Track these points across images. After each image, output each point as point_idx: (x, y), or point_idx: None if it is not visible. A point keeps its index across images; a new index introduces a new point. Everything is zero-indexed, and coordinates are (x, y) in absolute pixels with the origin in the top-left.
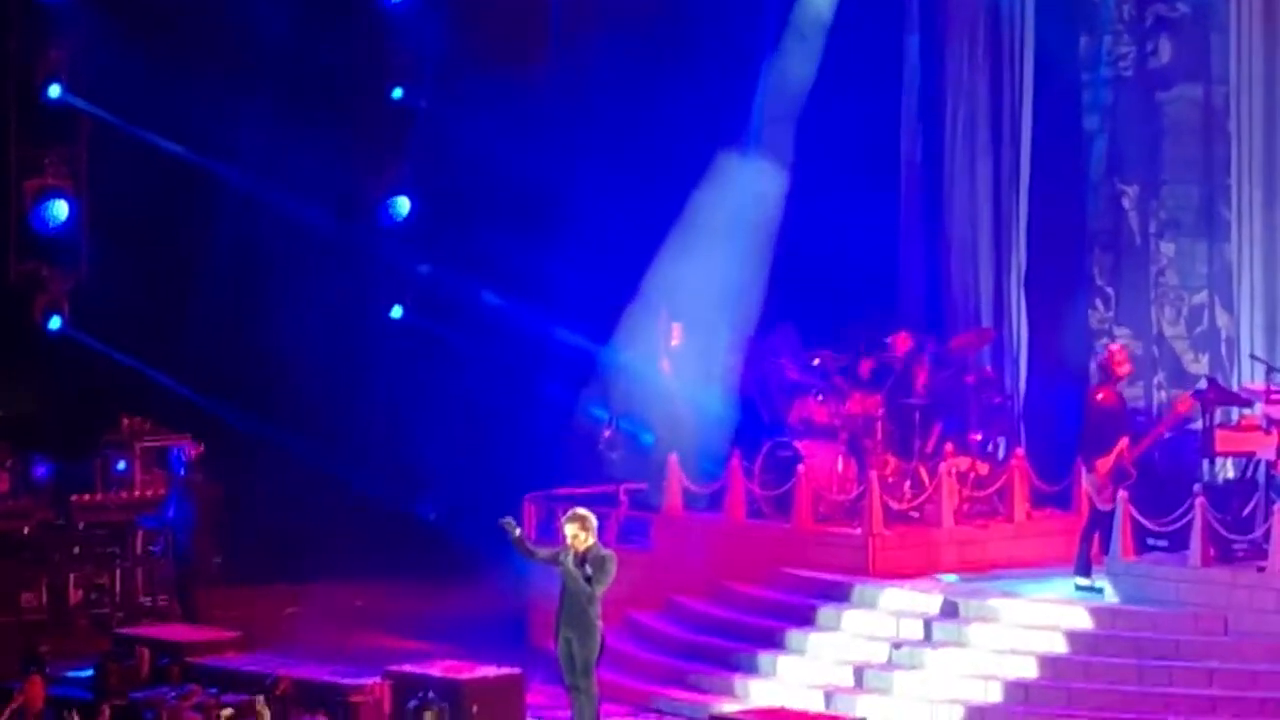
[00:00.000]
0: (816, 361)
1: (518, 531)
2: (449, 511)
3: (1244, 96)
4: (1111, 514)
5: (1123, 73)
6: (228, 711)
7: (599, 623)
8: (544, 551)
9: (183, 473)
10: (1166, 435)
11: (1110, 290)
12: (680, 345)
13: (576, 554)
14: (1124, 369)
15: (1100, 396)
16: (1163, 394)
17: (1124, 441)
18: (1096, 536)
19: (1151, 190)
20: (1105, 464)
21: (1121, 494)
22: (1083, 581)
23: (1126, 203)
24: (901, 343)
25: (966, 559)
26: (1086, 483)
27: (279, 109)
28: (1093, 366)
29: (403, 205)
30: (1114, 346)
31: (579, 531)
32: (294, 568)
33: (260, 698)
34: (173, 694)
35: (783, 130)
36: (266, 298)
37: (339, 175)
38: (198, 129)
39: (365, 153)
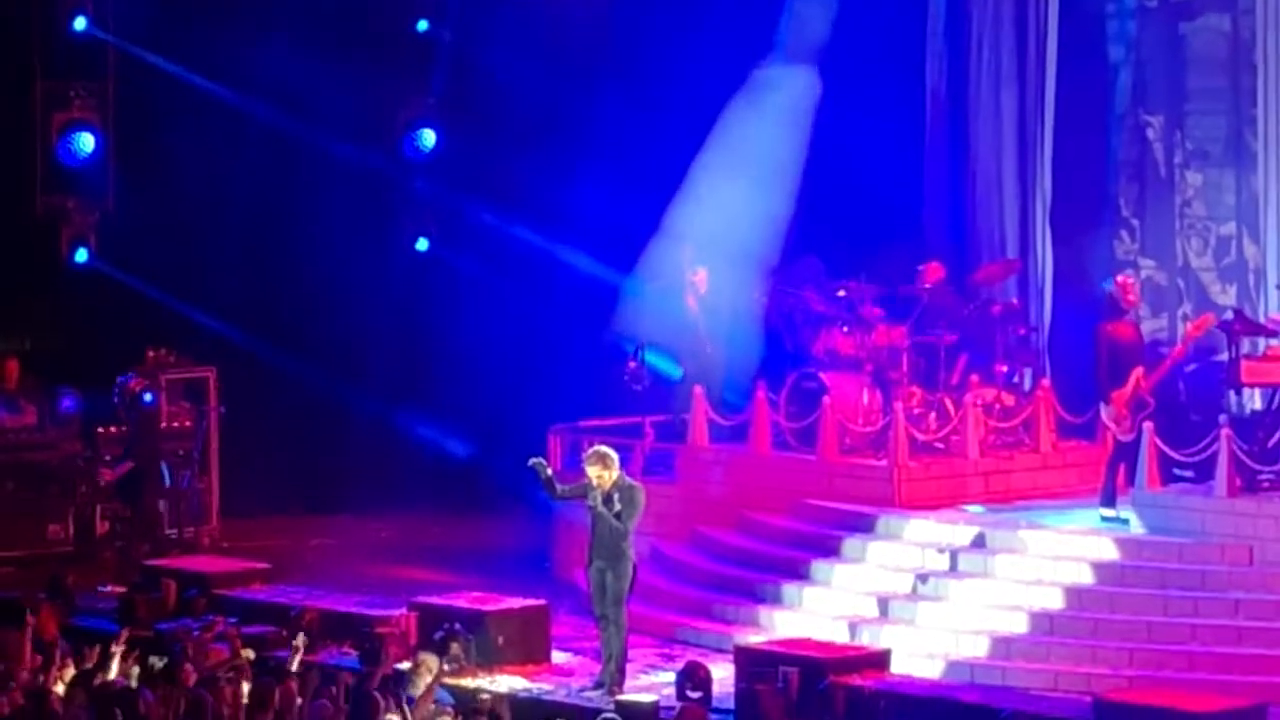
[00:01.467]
0: (842, 293)
1: (549, 472)
2: (475, 446)
3: (1270, 27)
4: (1136, 445)
5: (1147, 3)
6: (249, 653)
7: (632, 555)
8: (571, 489)
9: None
10: (1185, 363)
11: (1135, 221)
12: (705, 287)
13: (603, 492)
14: (1132, 299)
15: (1111, 329)
16: (1187, 325)
17: (1139, 371)
18: (1122, 467)
19: (1176, 121)
20: (1122, 395)
21: (1147, 425)
22: (1108, 512)
23: (1151, 134)
24: (932, 272)
25: (992, 490)
26: (1105, 415)
27: (304, 41)
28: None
29: (428, 137)
30: (1120, 278)
31: (601, 471)
32: (320, 499)
33: (300, 635)
34: (195, 625)
35: (807, 61)
36: (292, 230)
37: (365, 108)
38: (223, 62)
39: (391, 85)
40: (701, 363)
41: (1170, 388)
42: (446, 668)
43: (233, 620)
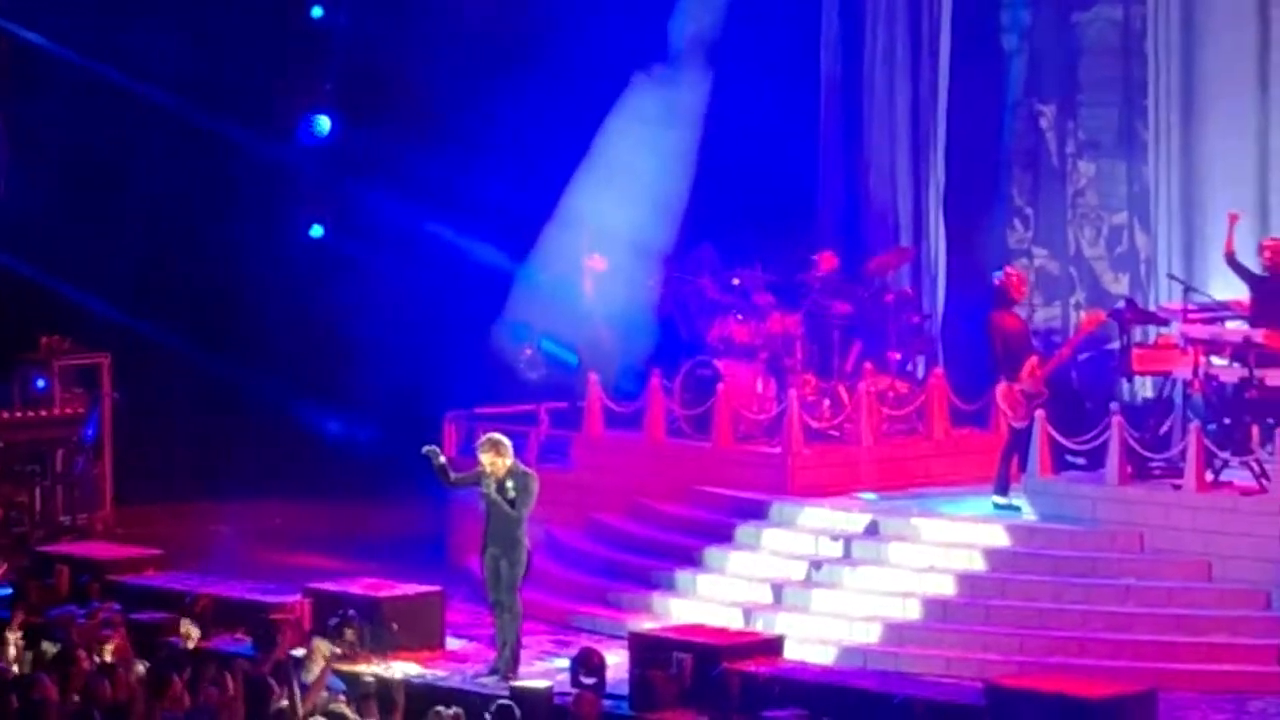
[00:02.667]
0: (736, 281)
1: (441, 459)
2: (371, 432)
3: (1161, 17)
4: (1029, 432)
5: None
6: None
7: (526, 542)
8: (465, 476)
9: None
10: (1077, 353)
11: (1029, 210)
12: (601, 272)
13: (497, 479)
14: (1022, 292)
15: (1001, 319)
16: (1080, 314)
17: (1033, 360)
18: (1015, 455)
19: (1069, 111)
20: (1019, 382)
21: (1039, 412)
22: (1000, 500)
23: (1044, 123)
24: (826, 261)
25: (885, 477)
26: (1001, 399)
27: (200, 26)
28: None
29: (323, 123)
30: (1010, 270)
31: (495, 458)
32: (214, 486)
33: (186, 619)
34: (81, 612)
35: (702, 49)
36: (188, 216)
37: (260, 93)
38: (118, 47)
39: (286, 71)
40: (596, 350)
41: (1063, 376)
42: (340, 654)
43: (117, 607)
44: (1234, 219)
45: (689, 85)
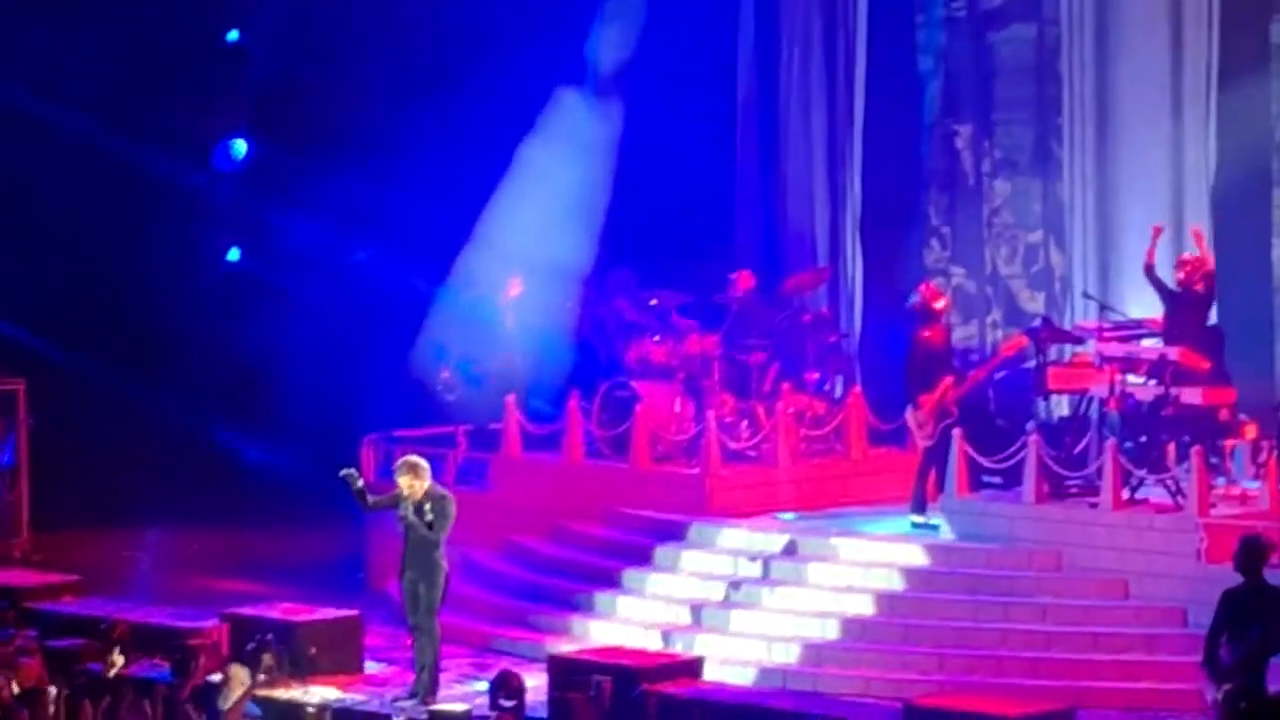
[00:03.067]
0: (654, 302)
1: (359, 483)
2: (289, 456)
3: (1075, 36)
4: (944, 451)
5: (956, 13)
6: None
7: (444, 564)
8: (382, 500)
9: None
10: (995, 374)
11: (946, 230)
12: (520, 295)
13: (414, 502)
14: (940, 304)
15: (926, 335)
16: (998, 332)
17: (948, 380)
18: (932, 474)
19: (985, 130)
20: (930, 400)
21: (956, 431)
22: (918, 519)
23: (960, 143)
24: (743, 281)
25: (804, 498)
26: (910, 418)
27: (114, 51)
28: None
29: (240, 147)
30: (923, 286)
31: (412, 481)
32: (132, 512)
33: (116, 648)
34: None
35: (619, 73)
36: (104, 241)
37: (175, 118)
38: (31, 71)
39: (202, 95)
40: (514, 371)
41: (979, 395)
42: (259, 679)
43: (33, 634)
44: (1158, 231)
45: (606, 108)
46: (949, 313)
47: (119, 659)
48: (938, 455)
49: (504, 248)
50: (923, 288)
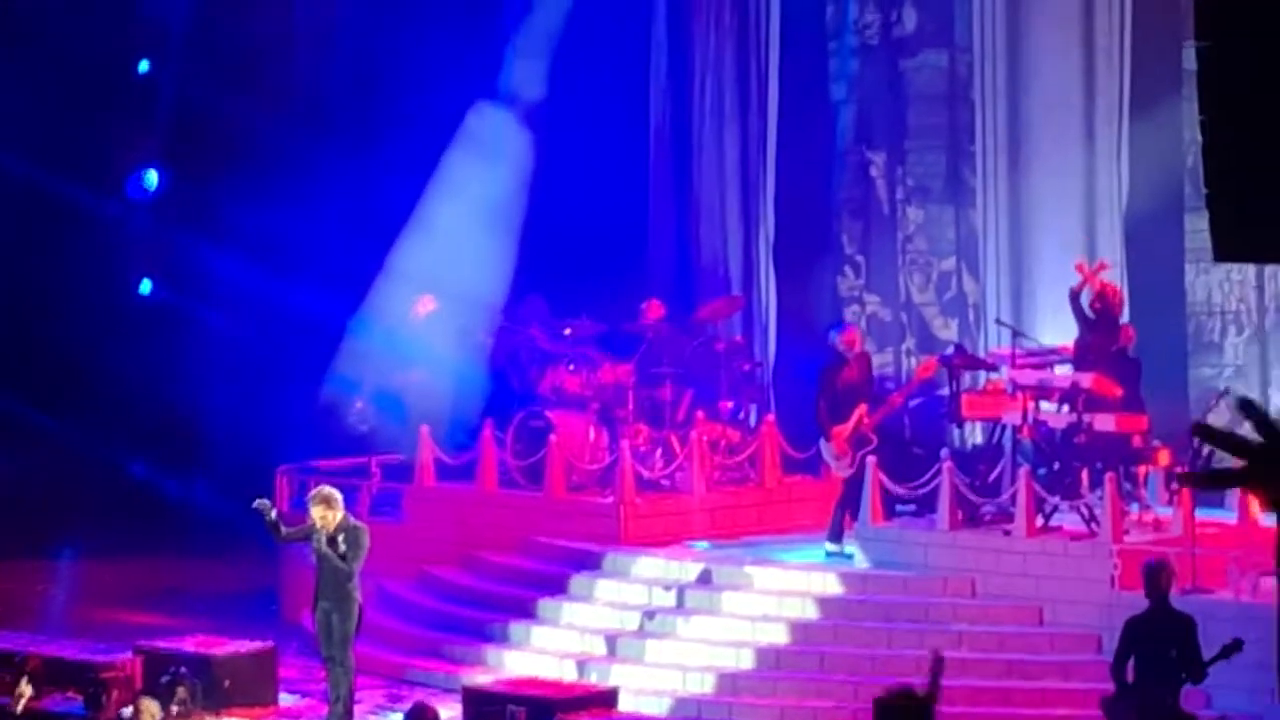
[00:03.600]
0: (568, 331)
1: (273, 514)
2: (201, 488)
3: (987, 63)
4: (860, 479)
5: (868, 41)
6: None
7: (357, 595)
8: (295, 532)
9: None
10: (908, 401)
11: (860, 258)
12: (430, 315)
13: (327, 533)
14: (856, 349)
15: (843, 374)
16: (912, 360)
17: (862, 408)
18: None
19: (898, 157)
20: (843, 431)
21: (870, 459)
22: (832, 547)
23: (874, 170)
24: (653, 310)
25: (718, 526)
26: (825, 452)
27: (23, 81)
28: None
29: (152, 178)
30: (846, 332)
31: (325, 512)
32: (43, 544)
33: (25, 680)
34: None
35: (531, 101)
36: (14, 271)
37: (87, 148)
38: None
39: (113, 125)
40: (427, 401)
41: (894, 422)
42: (172, 712)
43: None
44: (1101, 267)
45: (518, 137)
46: (864, 345)
47: (27, 690)
48: (856, 484)
49: (417, 276)
50: (845, 335)
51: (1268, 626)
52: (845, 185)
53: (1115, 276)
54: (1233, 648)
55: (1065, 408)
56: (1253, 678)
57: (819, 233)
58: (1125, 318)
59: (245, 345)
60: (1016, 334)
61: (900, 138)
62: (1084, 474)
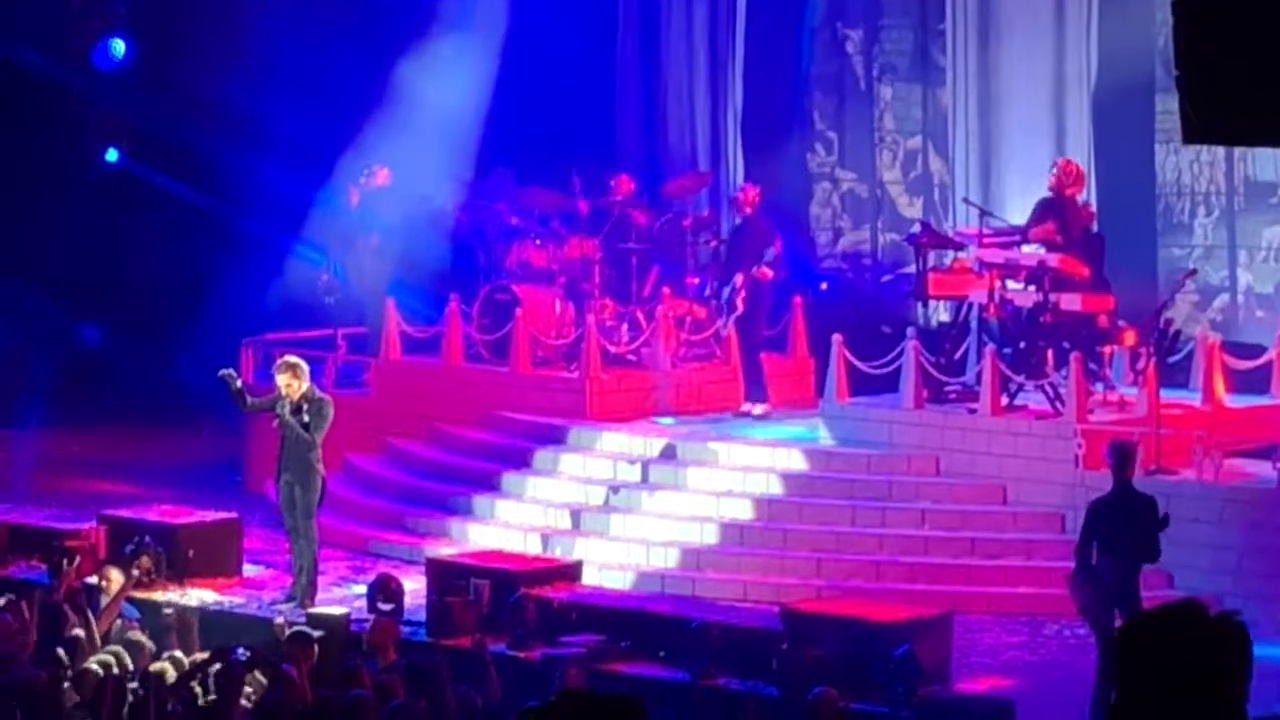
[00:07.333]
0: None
1: (238, 383)
2: (166, 358)
3: None
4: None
5: None
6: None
7: (320, 467)
8: (261, 401)
9: None
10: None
11: (832, 135)
12: (387, 186)
13: (292, 402)
14: (743, 210)
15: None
16: (886, 237)
17: (738, 277)
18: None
19: (873, 35)
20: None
21: (836, 337)
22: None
23: (850, 47)
24: (623, 185)
25: (683, 402)
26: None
27: None
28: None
29: (118, 47)
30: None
31: (291, 380)
32: (6, 414)
33: None
34: None
35: None
36: None
37: (53, 17)
38: None
39: None
40: (389, 273)
41: (859, 301)
42: (135, 580)
43: None
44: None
45: (486, 11)
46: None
47: None
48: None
49: (383, 150)
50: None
51: (1230, 508)
52: (817, 61)
53: (1084, 156)
54: (1161, 522)
55: (1032, 287)
56: (1212, 558)
57: (789, 109)
58: (1092, 197)
59: (212, 217)
60: (984, 213)
61: (876, 14)
62: (1049, 353)
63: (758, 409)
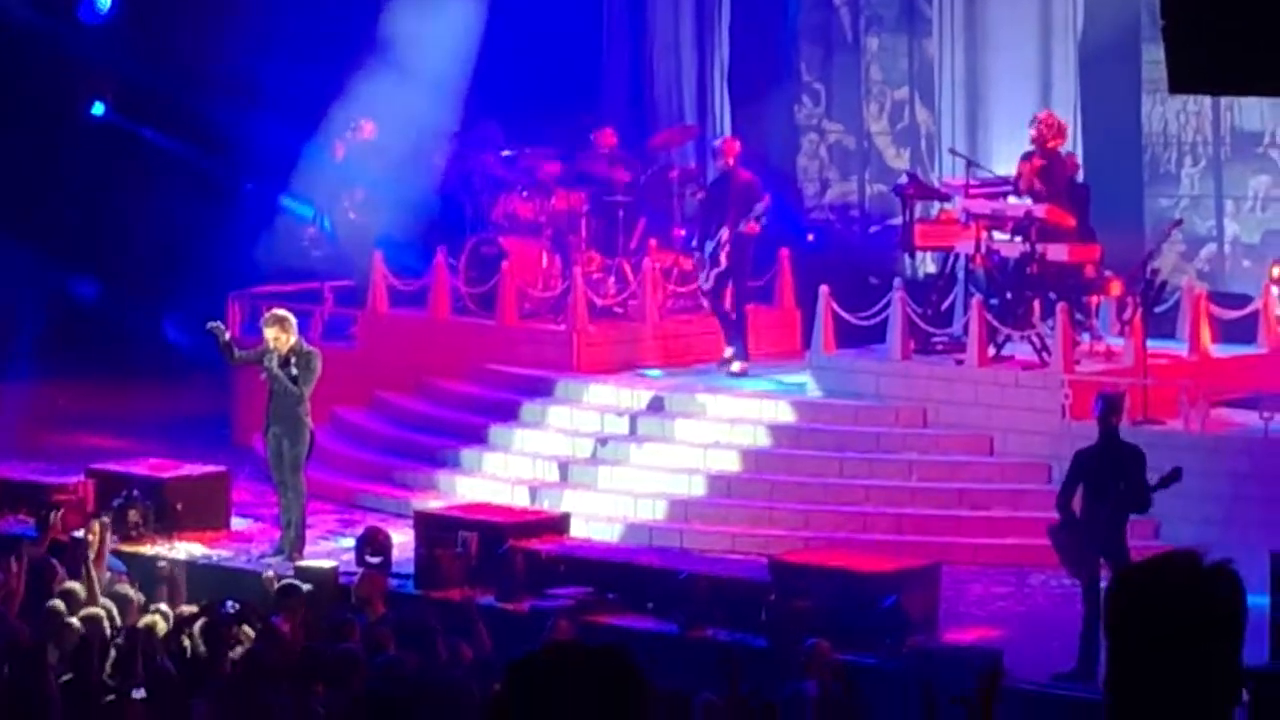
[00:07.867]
0: (506, 153)
1: (226, 336)
2: (154, 312)
3: None
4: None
5: None
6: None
7: (308, 420)
8: (249, 354)
9: None
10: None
11: (819, 86)
12: (373, 141)
13: (280, 355)
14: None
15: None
16: (873, 188)
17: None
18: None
19: None
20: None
21: (823, 288)
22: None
23: None
24: (607, 139)
25: (670, 354)
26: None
27: None
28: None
29: (104, 1)
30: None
31: (279, 333)
32: None
33: None
34: None
35: None
36: None
37: None
38: None
39: None
40: (378, 226)
41: (847, 252)
42: (125, 533)
43: None
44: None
45: None
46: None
47: None
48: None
49: (370, 104)
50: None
51: (1216, 457)
52: (804, 12)
53: (1070, 106)
54: (1172, 476)
55: (1018, 237)
56: (1200, 508)
57: (776, 61)
58: (1078, 148)
59: (199, 170)
60: (970, 164)
61: None
62: (1036, 304)
63: (735, 365)
